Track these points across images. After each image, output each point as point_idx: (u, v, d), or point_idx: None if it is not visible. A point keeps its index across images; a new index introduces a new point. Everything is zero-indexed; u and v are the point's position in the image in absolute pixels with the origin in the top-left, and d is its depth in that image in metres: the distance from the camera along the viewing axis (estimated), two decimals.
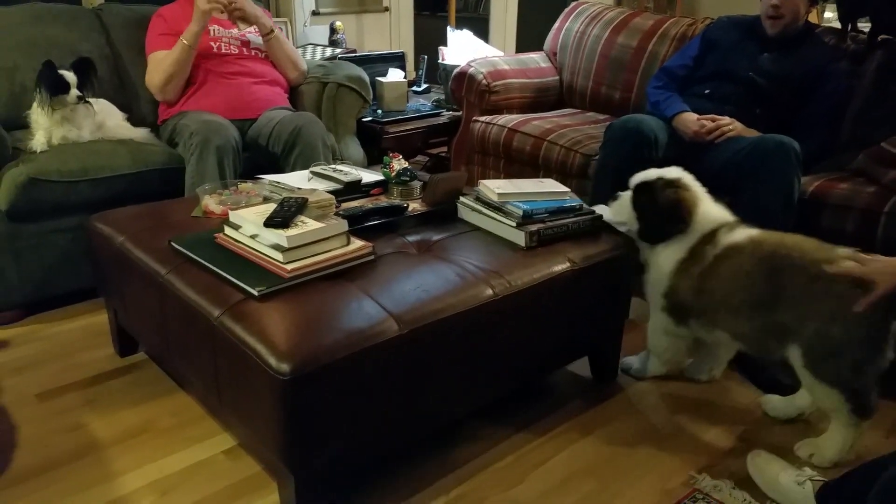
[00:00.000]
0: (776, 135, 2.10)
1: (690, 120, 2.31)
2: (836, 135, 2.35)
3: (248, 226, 1.53)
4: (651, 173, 1.86)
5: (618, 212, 1.89)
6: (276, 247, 1.46)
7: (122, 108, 2.58)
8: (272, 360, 1.25)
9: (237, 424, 1.55)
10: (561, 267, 1.68)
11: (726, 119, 2.28)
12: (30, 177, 2.11)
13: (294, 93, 2.87)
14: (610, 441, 1.72)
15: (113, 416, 1.77)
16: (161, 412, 1.79)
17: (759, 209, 2.05)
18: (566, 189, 1.92)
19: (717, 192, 2.25)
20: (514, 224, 1.75)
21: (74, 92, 2.27)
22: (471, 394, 1.61)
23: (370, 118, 3.09)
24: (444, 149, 3.56)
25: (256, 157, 2.49)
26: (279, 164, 2.46)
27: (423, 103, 3.46)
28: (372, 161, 2.82)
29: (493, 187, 1.84)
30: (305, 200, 1.60)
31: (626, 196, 1.88)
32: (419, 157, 3.70)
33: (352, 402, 1.35)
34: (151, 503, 1.49)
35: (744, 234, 1.72)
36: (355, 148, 2.84)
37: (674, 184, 1.82)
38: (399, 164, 2.02)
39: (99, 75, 2.45)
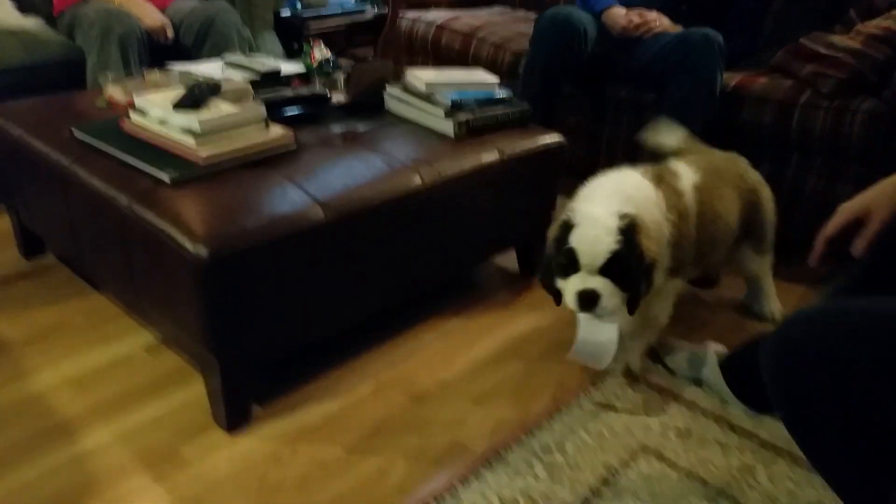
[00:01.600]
0: (701, 28, 2.11)
1: (619, 15, 2.28)
2: (758, 32, 2.38)
3: (156, 110, 1.44)
4: (601, 234, 1.32)
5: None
6: (188, 131, 1.38)
7: None
8: (189, 244, 1.20)
9: (157, 318, 1.50)
10: (490, 157, 1.67)
11: (653, 14, 2.26)
12: None
13: None
14: (535, 326, 1.76)
15: (21, 316, 1.68)
16: (74, 312, 1.71)
17: (683, 103, 2.08)
18: (495, 79, 1.88)
19: (644, 88, 2.28)
20: (442, 114, 1.71)
21: None
22: (399, 283, 1.61)
23: (289, 13, 2.92)
24: (371, 51, 3.43)
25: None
26: (190, 58, 2.30)
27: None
28: (292, 58, 2.69)
29: (421, 77, 1.79)
30: (218, 84, 1.51)
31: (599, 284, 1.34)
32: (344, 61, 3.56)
33: (276, 288, 1.32)
34: (69, 399, 1.44)
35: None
36: (273, 43, 2.69)
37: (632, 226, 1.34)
38: (321, 52, 1.93)
39: None
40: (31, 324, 1.66)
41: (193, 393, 1.46)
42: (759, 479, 1.31)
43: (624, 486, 1.30)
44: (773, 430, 1.43)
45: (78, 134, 1.52)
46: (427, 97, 1.75)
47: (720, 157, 1.70)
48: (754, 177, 1.69)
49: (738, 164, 1.69)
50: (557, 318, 1.81)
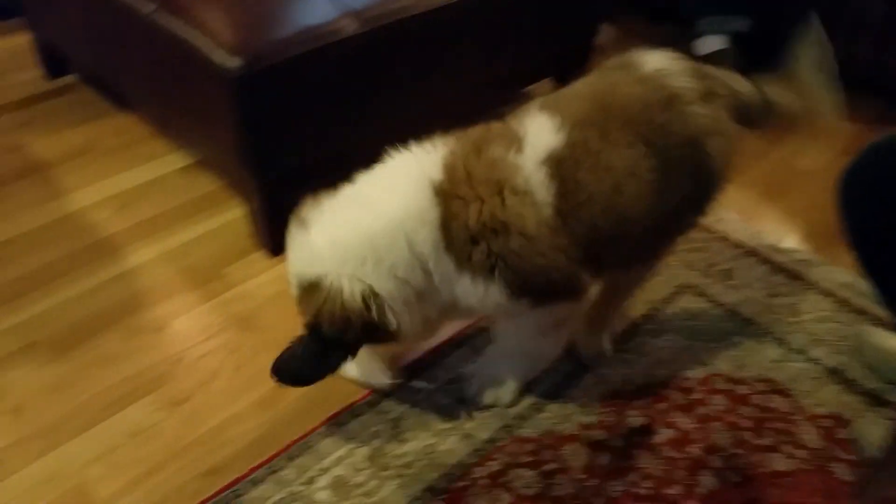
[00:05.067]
0: None
1: None
2: None
3: None
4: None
5: None
6: None
7: None
8: (219, 56, 1.12)
9: (190, 138, 1.45)
10: None
11: None
12: None
13: None
14: None
15: (52, 136, 1.64)
16: (104, 132, 1.66)
17: None
18: None
19: None
20: None
21: None
22: (432, 107, 1.53)
23: None
24: None
25: None
26: None
27: None
28: None
29: None
30: None
31: None
32: None
33: (309, 102, 1.25)
34: (109, 217, 1.44)
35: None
36: None
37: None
38: None
39: None
40: (62, 144, 1.62)
41: (232, 216, 1.45)
42: (803, 319, 1.31)
43: (665, 322, 1.30)
44: (821, 272, 1.40)
45: None
46: None
47: (627, 86, 0.99)
48: (701, 117, 0.98)
49: (665, 96, 0.97)
50: None
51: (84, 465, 1.03)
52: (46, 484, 1.01)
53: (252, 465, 1.03)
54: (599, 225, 0.93)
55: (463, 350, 1.22)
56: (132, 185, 1.51)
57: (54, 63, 1.82)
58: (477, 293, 0.92)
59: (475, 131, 0.97)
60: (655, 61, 1.01)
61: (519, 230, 0.89)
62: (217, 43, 1.13)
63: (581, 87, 1.02)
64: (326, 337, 0.90)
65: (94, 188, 1.50)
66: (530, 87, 1.89)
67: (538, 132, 0.93)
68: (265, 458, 1.04)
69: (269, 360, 1.18)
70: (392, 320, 0.90)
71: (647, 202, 0.96)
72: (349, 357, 0.95)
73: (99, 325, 1.23)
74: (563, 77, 1.87)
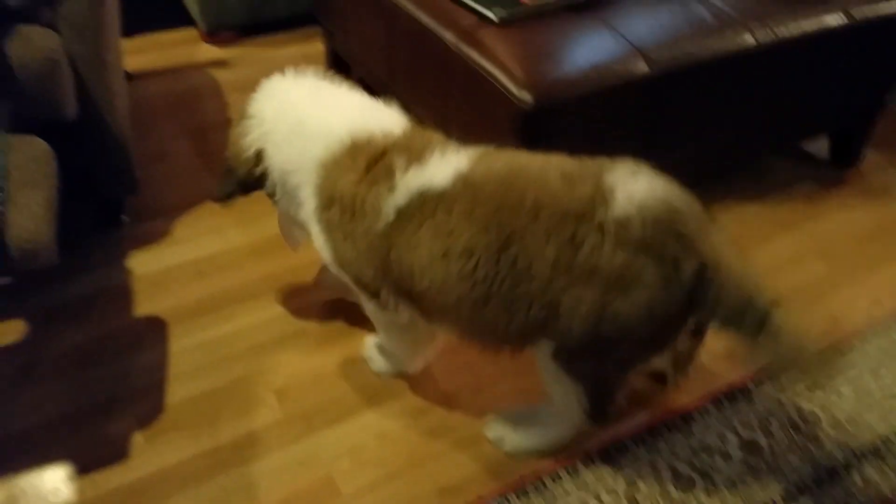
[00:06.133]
0: None
1: None
2: None
3: None
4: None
5: None
6: None
7: None
8: (513, 89, 1.16)
9: None
10: (834, 21, 1.40)
11: None
12: None
13: None
14: (844, 227, 1.55)
15: None
16: None
17: None
18: None
19: None
20: None
21: None
22: (708, 150, 1.47)
23: None
24: None
25: None
26: None
27: None
28: None
29: None
30: None
31: None
32: None
33: (590, 140, 1.25)
34: None
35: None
36: None
37: None
38: None
39: None
40: None
41: None
42: None
43: None
44: None
45: None
46: None
47: (549, 174, 0.96)
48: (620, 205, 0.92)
49: (582, 206, 0.92)
50: (875, 222, 1.57)
51: (334, 457, 1.12)
52: (299, 467, 1.10)
53: (483, 493, 1.06)
54: (416, 280, 0.95)
55: (712, 419, 1.16)
56: None
57: (339, 72, 2.00)
58: (319, 240, 1.03)
59: (421, 132, 1.02)
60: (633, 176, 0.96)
61: (350, 214, 0.97)
62: (512, 77, 1.17)
63: (528, 155, 1.00)
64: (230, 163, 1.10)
65: None
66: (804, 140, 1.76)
67: (438, 168, 0.95)
68: (496, 487, 1.06)
69: (507, 388, 1.21)
70: (269, 186, 1.07)
71: (472, 290, 0.92)
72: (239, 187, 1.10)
73: (357, 326, 1.33)
74: (841, 133, 1.71)
